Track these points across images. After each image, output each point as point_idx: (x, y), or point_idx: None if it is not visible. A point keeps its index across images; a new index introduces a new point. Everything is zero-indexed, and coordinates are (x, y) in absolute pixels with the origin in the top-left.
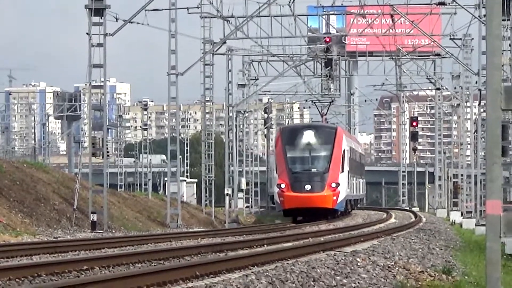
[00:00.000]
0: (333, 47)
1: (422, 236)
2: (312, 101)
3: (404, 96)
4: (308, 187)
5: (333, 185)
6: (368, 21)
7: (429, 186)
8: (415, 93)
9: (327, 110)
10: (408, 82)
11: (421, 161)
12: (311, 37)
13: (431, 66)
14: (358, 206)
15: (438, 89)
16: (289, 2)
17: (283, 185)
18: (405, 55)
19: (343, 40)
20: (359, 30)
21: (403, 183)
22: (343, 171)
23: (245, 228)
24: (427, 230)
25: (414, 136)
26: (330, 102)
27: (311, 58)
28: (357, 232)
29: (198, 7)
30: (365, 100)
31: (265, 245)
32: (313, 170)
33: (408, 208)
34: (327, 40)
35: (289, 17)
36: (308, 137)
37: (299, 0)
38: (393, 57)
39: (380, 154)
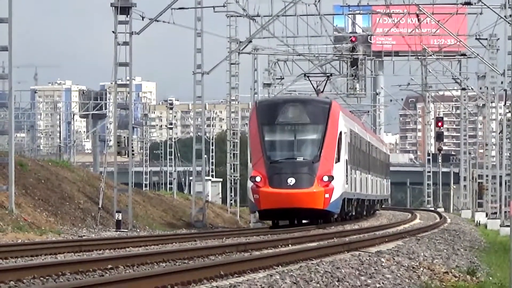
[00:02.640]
0: (358, 47)
1: (447, 237)
2: (305, 75)
3: (429, 96)
4: (291, 181)
5: (325, 178)
6: (394, 21)
7: (454, 187)
8: (440, 93)
9: (324, 87)
10: (434, 82)
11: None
12: (337, 36)
13: (457, 66)
14: (383, 206)
15: (463, 89)
16: (315, 1)
17: (258, 178)
18: (430, 55)
19: (369, 40)
20: (385, 29)
21: (428, 184)
22: (339, 161)
23: (270, 227)
24: (451, 231)
25: (439, 136)
26: (328, 77)
27: (336, 58)
28: (381, 233)
29: (224, 6)
30: (391, 100)
31: (289, 245)
32: (299, 159)
33: (433, 209)
34: (353, 39)
35: (315, 16)
36: (293, 114)
37: None
38: (419, 57)
39: (405, 154)
